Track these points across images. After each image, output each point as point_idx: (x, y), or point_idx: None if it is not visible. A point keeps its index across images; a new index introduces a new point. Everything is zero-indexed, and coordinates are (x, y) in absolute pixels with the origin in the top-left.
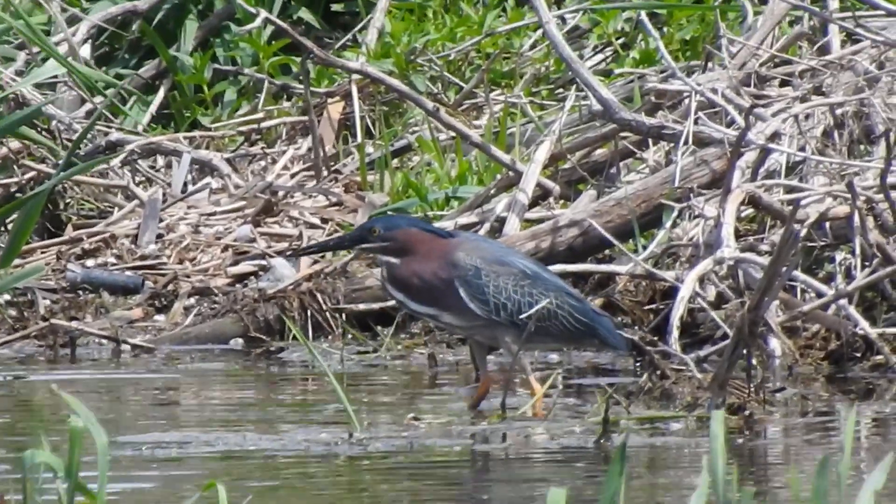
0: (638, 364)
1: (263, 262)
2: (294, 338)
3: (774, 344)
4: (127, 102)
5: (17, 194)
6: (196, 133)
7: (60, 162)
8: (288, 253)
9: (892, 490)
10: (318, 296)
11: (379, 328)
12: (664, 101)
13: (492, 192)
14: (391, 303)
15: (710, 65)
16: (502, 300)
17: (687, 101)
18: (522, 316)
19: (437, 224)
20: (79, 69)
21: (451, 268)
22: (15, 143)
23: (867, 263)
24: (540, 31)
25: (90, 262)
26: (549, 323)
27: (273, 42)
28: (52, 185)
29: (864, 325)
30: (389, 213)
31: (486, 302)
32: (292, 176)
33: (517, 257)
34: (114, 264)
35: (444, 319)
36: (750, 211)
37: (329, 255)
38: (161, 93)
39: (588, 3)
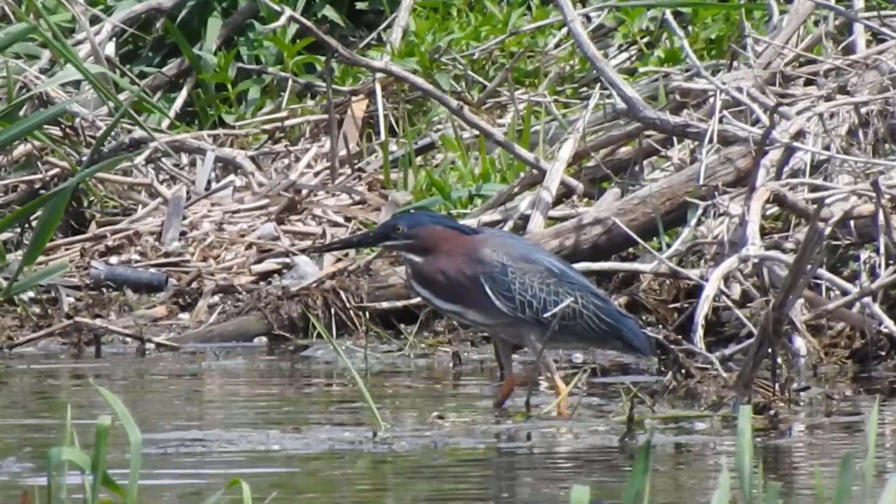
0: (662, 363)
1: (287, 260)
2: (318, 336)
3: (799, 343)
4: (152, 100)
5: (41, 191)
6: (220, 131)
7: (84, 159)
8: (312, 250)
9: None
10: (342, 293)
11: (403, 326)
12: (689, 100)
13: (515, 189)
14: (415, 301)
15: (734, 64)
16: (528, 298)
17: (711, 99)
18: (547, 314)
19: (461, 222)
20: (95, 75)
21: (477, 264)
22: (38, 141)
23: (892, 262)
24: (564, 30)
25: (114, 260)
26: (574, 322)
27: (297, 41)
28: (76, 182)
29: (889, 324)
30: (413, 210)
31: (512, 299)
32: (316, 174)
33: (543, 255)
34: (137, 261)
35: (468, 317)
36: (775, 209)
37: (352, 253)
38: (185, 91)
39: (613, 2)
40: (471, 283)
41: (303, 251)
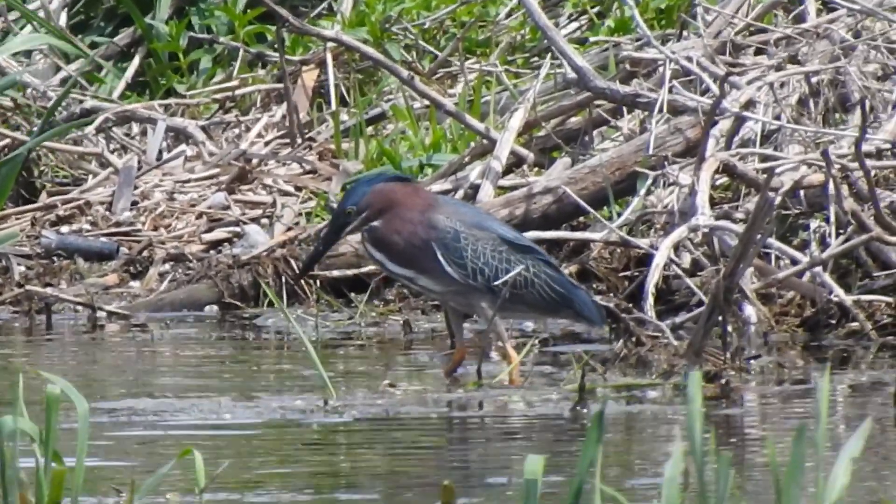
0: (613, 331)
1: (237, 230)
2: (269, 304)
3: (750, 311)
4: (102, 70)
5: None
6: (171, 101)
7: (34, 129)
8: (293, 277)
9: (868, 458)
10: (293, 262)
11: (353, 295)
12: (639, 70)
13: (466, 159)
14: (366, 269)
15: (685, 33)
16: (479, 265)
17: (661, 69)
18: (498, 282)
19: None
20: (58, 36)
21: (430, 229)
22: None
23: (841, 231)
24: (515, 0)
25: (65, 229)
26: (525, 291)
27: (248, 10)
28: (28, 150)
29: (839, 293)
30: (353, 182)
31: (464, 266)
32: (266, 143)
33: (496, 223)
34: (88, 231)
35: (420, 283)
36: (724, 179)
37: (303, 221)
38: (136, 61)
39: None
40: (424, 246)
41: (253, 220)
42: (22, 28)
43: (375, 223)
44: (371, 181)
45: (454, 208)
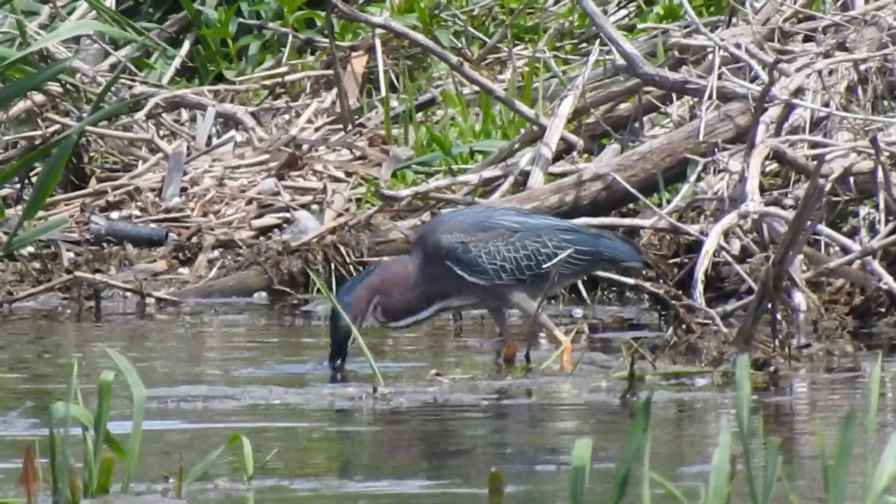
0: (663, 318)
1: (287, 215)
2: (318, 291)
3: (799, 298)
4: (151, 56)
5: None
6: (220, 87)
7: (84, 115)
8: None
9: None
10: (342, 248)
11: None
12: (688, 56)
13: (516, 146)
14: None
15: (733, 20)
16: (500, 263)
17: (710, 56)
18: (547, 265)
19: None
20: (111, 19)
21: (437, 253)
22: (39, 97)
23: (891, 218)
24: None
25: (114, 215)
26: (554, 267)
27: None
28: (77, 133)
29: (889, 280)
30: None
31: (485, 271)
32: (316, 129)
33: (498, 215)
34: (138, 217)
35: (454, 304)
36: (774, 166)
37: (353, 207)
38: (185, 46)
39: None
40: (439, 272)
41: (303, 206)
42: (70, 14)
43: (376, 301)
44: (346, 292)
45: (452, 222)
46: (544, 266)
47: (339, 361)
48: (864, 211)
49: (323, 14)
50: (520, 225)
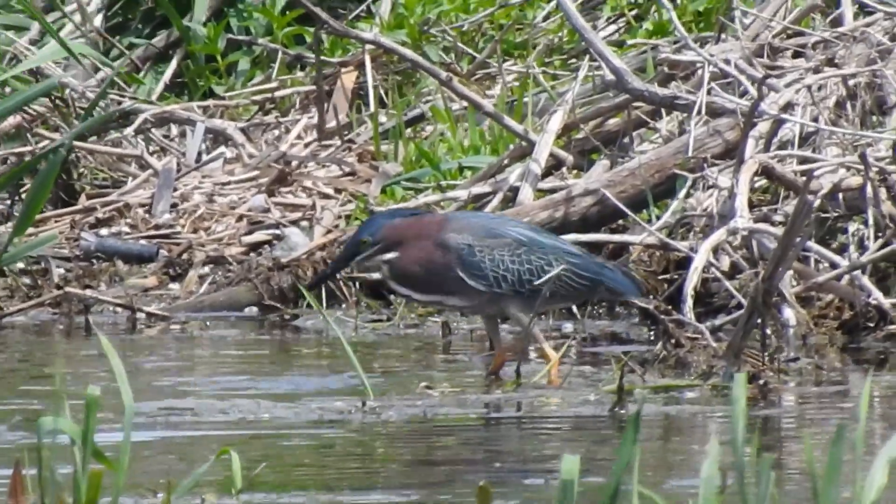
0: (652, 333)
1: (277, 232)
2: (308, 306)
3: (789, 314)
4: (140, 72)
5: None
6: (210, 102)
7: (73, 131)
8: (307, 285)
9: None
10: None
11: (392, 297)
12: (677, 72)
13: (505, 161)
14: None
15: (723, 36)
16: (501, 272)
17: (700, 71)
18: (538, 282)
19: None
20: (78, 50)
21: (445, 250)
22: (28, 113)
23: (880, 234)
24: (553, 2)
25: (104, 231)
26: (555, 285)
27: (287, 12)
28: (66, 148)
29: (878, 296)
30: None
31: (486, 277)
32: (306, 145)
33: (509, 226)
34: (128, 234)
35: (449, 303)
36: (763, 181)
37: (342, 223)
38: (174, 62)
39: None
40: (443, 269)
41: (293, 223)
42: (60, 30)
43: (392, 256)
44: (389, 215)
45: (464, 222)
46: (537, 279)
47: (329, 273)
48: (853, 227)
49: (312, 30)
50: (528, 239)
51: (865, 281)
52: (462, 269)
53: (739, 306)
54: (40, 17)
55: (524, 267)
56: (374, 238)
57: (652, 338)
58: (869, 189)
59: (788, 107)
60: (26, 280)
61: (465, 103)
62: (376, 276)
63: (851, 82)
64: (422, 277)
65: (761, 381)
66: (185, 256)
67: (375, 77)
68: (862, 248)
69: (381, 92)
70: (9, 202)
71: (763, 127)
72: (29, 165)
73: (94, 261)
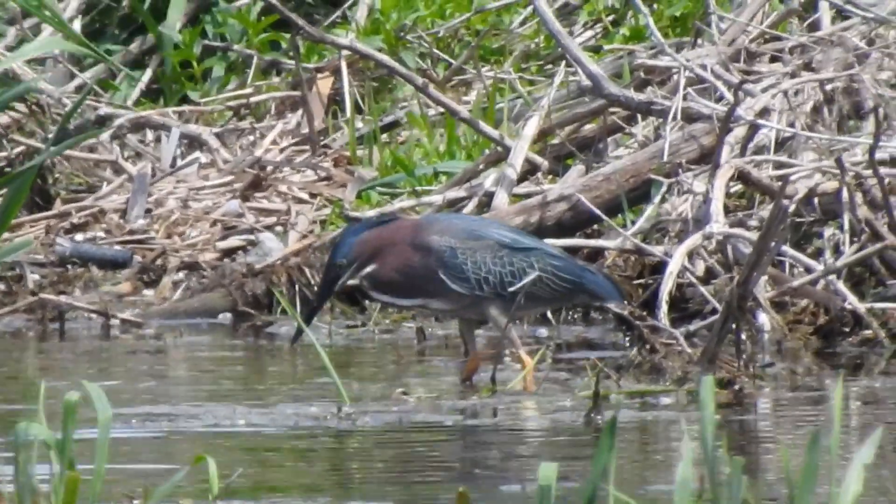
0: (627, 338)
1: (252, 237)
2: (282, 312)
3: (763, 319)
4: (116, 78)
5: (7, 169)
6: (185, 108)
7: (50, 136)
8: (294, 339)
9: (880, 464)
10: (306, 270)
11: (367, 302)
12: (653, 77)
13: (480, 167)
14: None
15: (699, 41)
16: (483, 275)
17: (676, 76)
18: (512, 289)
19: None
20: (77, 37)
21: (426, 253)
22: (3, 118)
23: (855, 239)
24: (530, 8)
25: (79, 237)
26: (536, 288)
27: (262, 18)
28: (43, 160)
29: (853, 301)
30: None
31: (468, 280)
32: (281, 151)
33: (491, 228)
34: (102, 239)
35: (432, 306)
36: (739, 187)
37: (317, 228)
38: (150, 68)
39: None
40: (424, 272)
41: (267, 228)
42: (37, 35)
43: (370, 269)
44: (356, 231)
45: (445, 224)
46: (518, 282)
47: (316, 305)
48: (828, 232)
49: (288, 35)
50: (511, 241)
51: (840, 285)
52: (444, 272)
53: (714, 311)
54: (37, 11)
55: (506, 269)
56: (348, 259)
57: (627, 343)
58: (844, 194)
59: (765, 112)
60: (1, 286)
61: (441, 109)
62: (352, 282)
63: (828, 87)
64: (403, 283)
65: (736, 387)
66: (159, 262)
67: (352, 82)
68: (837, 253)
69: (357, 97)
70: None
71: (739, 132)
72: (10, 178)
73: (69, 266)
